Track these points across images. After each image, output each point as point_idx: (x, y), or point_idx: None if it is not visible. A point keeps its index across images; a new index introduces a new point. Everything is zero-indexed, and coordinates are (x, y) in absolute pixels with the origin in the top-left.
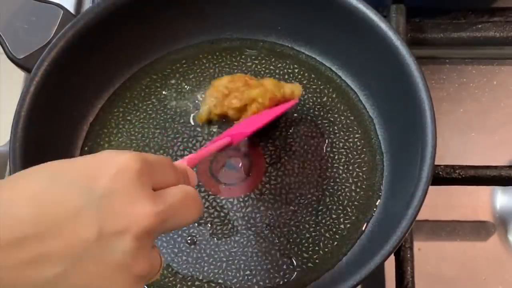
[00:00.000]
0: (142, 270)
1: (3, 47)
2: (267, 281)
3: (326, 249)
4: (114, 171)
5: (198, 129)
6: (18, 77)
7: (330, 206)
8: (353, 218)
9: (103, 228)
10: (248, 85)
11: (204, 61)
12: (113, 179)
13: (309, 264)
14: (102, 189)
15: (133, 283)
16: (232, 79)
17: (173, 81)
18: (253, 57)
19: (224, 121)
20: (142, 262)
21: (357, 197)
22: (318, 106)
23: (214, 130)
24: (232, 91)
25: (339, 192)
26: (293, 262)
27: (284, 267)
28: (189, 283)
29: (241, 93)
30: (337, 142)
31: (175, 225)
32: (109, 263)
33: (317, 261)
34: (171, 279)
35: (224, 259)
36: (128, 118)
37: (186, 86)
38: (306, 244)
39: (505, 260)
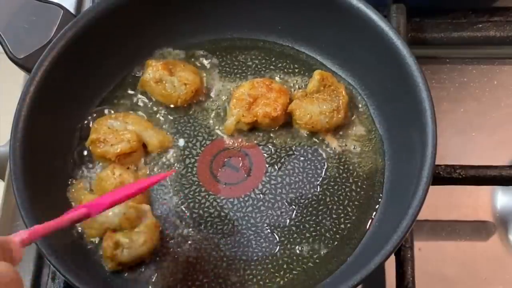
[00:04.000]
0: None
1: (3, 47)
2: (267, 281)
3: (327, 249)
4: None
5: (200, 128)
6: (18, 77)
7: (330, 206)
8: (354, 218)
9: None
10: (271, 89)
11: None
12: None
13: (310, 264)
14: None
15: None
16: (252, 85)
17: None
18: (253, 57)
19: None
20: None
21: (358, 197)
22: None
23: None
24: (257, 98)
25: (340, 192)
26: (293, 262)
27: (285, 266)
28: (189, 283)
29: (270, 99)
30: (337, 142)
31: None
32: None
33: (317, 261)
34: (171, 278)
35: (224, 259)
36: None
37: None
38: (306, 244)
39: (506, 260)
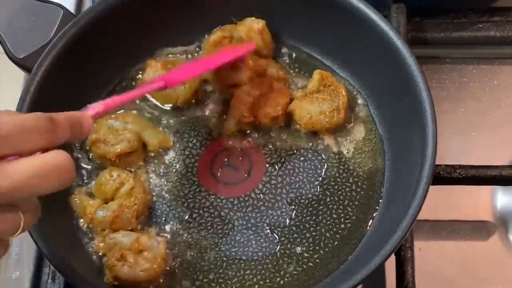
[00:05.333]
0: None
1: (3, 47)
2: (267, 281)
3: (327, 249)
4: None
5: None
6: (18, 77)
7: (330, 206)
8: (354, 218)
9: None
10: (271, 89)
11: None
12: None
13: (310, 264)
14: None
15: None
16: (253, 85)
17: None
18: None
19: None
20: None
21: (358, 197)
22: None
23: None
24: (257, 98)
25: (340, 192)
26: (293, 262)
27: (285, 266)
28: (189, 283)
29: (270, 99)
30: (338, 142)
31: (32, 194)
32: None
33: (317, 261)
34: (171, 278)
35: (225, 259)
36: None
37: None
38: (306, 244)
39: (506, 260)
